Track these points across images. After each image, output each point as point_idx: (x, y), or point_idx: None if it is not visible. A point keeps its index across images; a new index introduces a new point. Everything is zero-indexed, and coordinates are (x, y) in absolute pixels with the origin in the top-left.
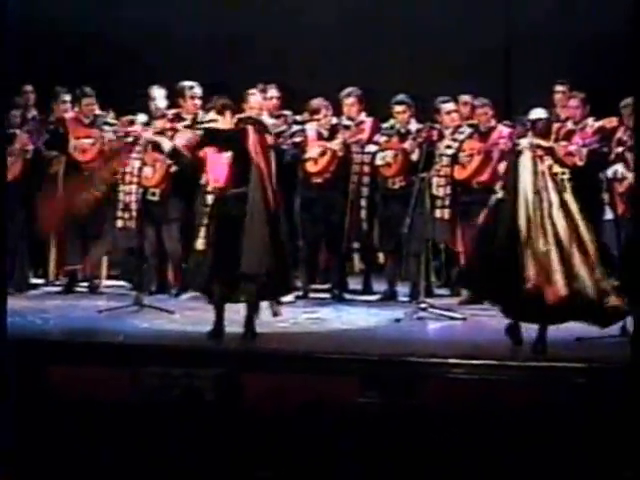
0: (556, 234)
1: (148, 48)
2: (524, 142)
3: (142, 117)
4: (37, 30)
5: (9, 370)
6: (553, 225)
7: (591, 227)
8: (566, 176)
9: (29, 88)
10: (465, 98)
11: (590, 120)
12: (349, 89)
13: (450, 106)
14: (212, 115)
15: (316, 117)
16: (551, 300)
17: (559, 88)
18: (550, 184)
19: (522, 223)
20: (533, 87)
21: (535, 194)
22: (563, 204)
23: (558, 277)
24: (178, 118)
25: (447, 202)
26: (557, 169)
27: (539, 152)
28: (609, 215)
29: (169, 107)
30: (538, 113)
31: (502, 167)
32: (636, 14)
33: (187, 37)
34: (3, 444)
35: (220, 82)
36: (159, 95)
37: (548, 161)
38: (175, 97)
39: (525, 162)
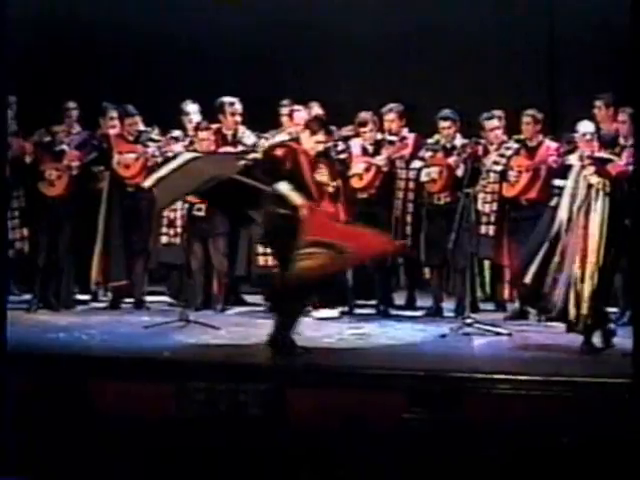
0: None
1: (188, 64)
2: (576, 153)
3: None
4: (79, 49)
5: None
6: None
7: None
8: (600, 186)
9: (72, 105)
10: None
11: None
12: (390, 105)
13: (494, 123)
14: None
15: (363, 130)
16: None
17: (598, 103)
18: (582, 191)
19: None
20: (577, 103)
21: (571, 199)
22: (588, 214)
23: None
24: (219, 133)
25: (492, 218)
26: (594, 179)
27: (586, 162)
28: None
29: (211, 122)
30: (586, 126)
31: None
32: None
33: (229, 53)
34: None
35: (260, 98)
36: (193, 110)
37: (589, 170)
38: (216, 113)
39: (574, 169)
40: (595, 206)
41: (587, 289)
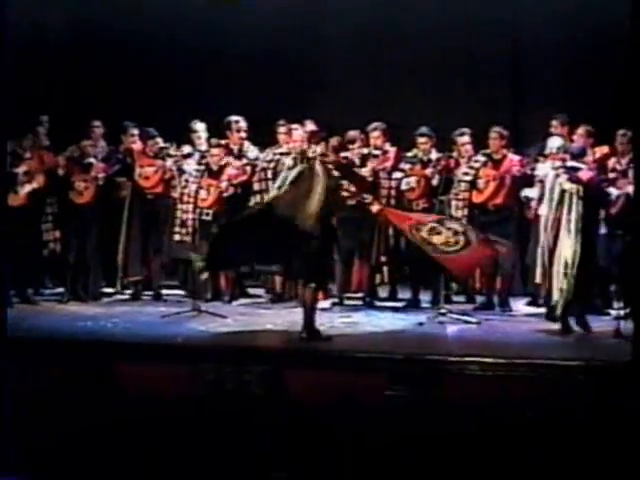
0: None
1: (195, 83)
2: (548, 164)
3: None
4: (102, 75)
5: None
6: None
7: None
8: (574, 190)
9: (97, 123)
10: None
11: (595, 149)
12: (375, 124)
13: (464, 139)
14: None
15: (352, 146)
16: None
17: (554, 122)
18: (557, 196)
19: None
20: (537, 121)
21: (549, 204)
22: (561, 216)
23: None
24: (227, 149)
25: (464, 222)
26: (567, 185)
27: (560, 170)
28: (603, 230)
29: (220, 139)
30: (555, 141)
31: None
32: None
33: (232, 78)
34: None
35: (259, 116)
36: (201, 128)
37: (562, 178)
38: (223, 130)
39: (549, 178)
40: (570, 208)
41: (561, 278)
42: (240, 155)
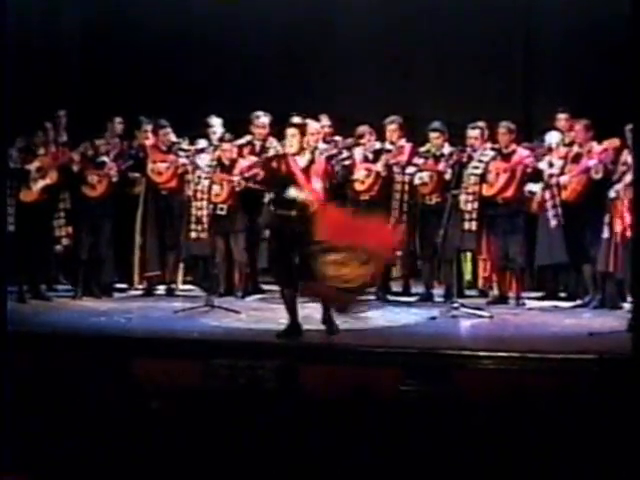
0: None
1: (213, 83)
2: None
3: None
4: (119, 72)
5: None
6: None
7: None
8: None
9: (118, 119)
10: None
11: (594, 144)
12: (392, 117)
13: (477, 132)
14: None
15: (361, 141)
16: None
17: (561, 116)
18: None
19: None
20: (549, 113)
21: None
22: None
23: None
24: (250, 144)
25: (474, 215)
26: None
27: None
28: (606, 234)
29: (241, 134)
30: (554, 136)
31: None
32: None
33: (249, 73)
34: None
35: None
36: (216, 123)
37: None
38: (247, 125)
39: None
40: None
41: None
42: (262, 151)
